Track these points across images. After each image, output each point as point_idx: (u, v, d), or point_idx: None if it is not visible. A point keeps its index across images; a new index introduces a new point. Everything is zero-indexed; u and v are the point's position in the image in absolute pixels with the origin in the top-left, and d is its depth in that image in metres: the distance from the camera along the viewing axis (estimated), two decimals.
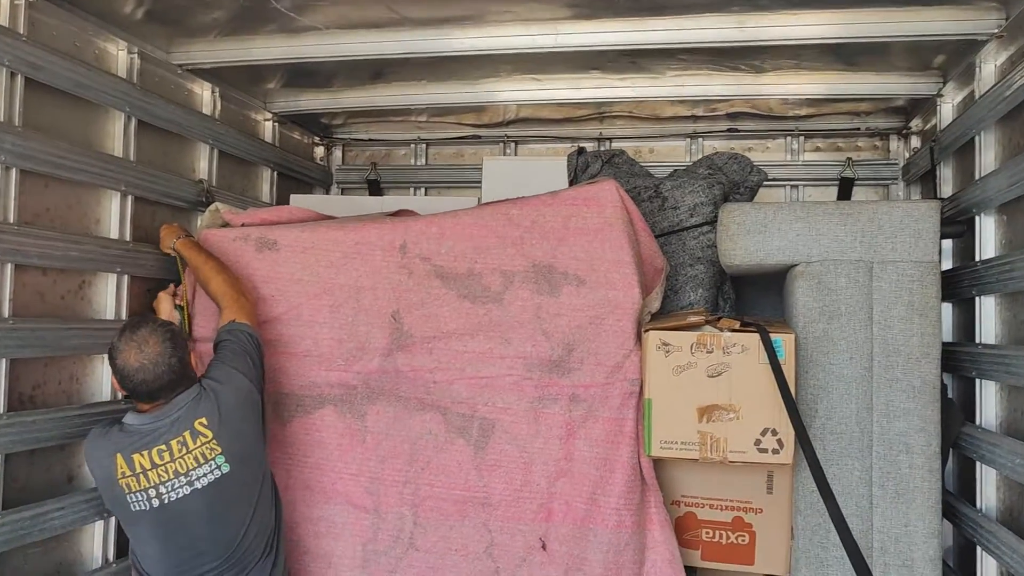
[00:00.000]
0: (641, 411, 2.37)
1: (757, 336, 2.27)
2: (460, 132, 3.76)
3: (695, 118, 3.52)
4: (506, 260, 2.49)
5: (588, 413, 2.42)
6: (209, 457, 2.06)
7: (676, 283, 2.82)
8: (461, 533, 2.46)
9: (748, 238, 2.45)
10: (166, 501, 2.03)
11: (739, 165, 3.01)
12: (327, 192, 3.91)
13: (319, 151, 3.95)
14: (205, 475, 2.06)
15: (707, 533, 2.50)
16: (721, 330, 2.30)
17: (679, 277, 2.84)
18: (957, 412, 2.47)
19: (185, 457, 2.04)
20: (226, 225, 2.72)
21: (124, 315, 2.47)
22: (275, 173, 3.43)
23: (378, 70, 3.04)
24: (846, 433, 2.33)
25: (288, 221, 2.70)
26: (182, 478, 2.03)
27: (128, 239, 2.50)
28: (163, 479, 2.03)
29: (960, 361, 2.47)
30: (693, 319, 2.34)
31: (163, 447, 2.03)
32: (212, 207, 2.72)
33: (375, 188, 3.80)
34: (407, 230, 2.55)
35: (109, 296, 2.45)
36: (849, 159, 3.39)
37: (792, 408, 2.13)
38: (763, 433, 2.26)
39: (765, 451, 2.26)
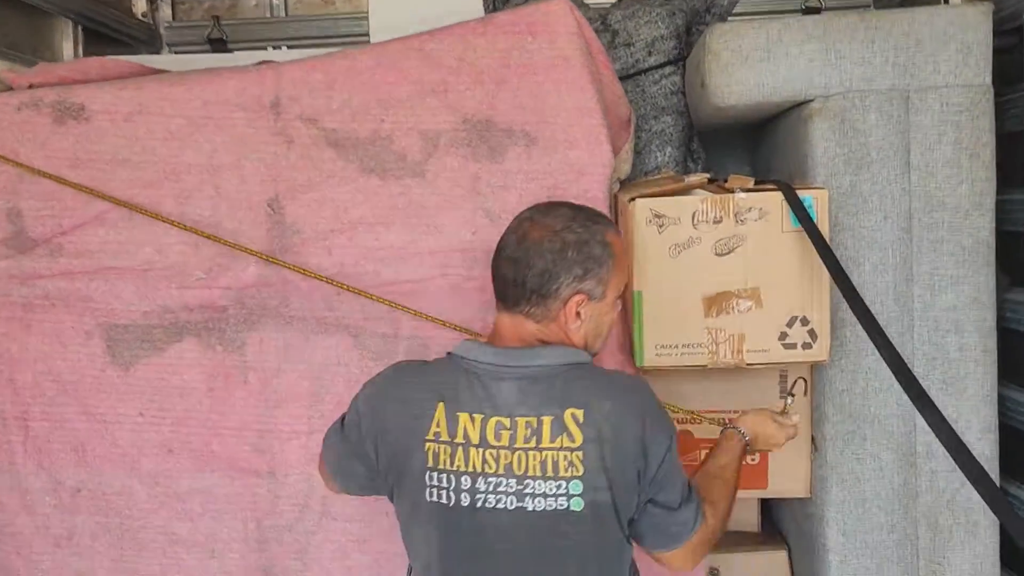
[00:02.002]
0: (626, 306, 1.81)
1: (780, 196, 1.72)
2: None
3: None
4: (426, 115, 1.82)
5: None
6: (563, 473, 1.28)
7: (638, 142, 2.23)
8: None
9: (747, 68, 1.86)
10: (479, 504, 1.30)
11: None
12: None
13: (140, 3, 3.04)
14: (545, 496, 1.28)
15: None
16: (732, 191, 1.73)
17: (641, 133, 2.25)
18: (998, 275, 2.03)
19: (531, 453, 1.28)
20: (8, 90, 1.90)
21: None
22: (79, 28, 2.55)
23: None
24: (883, 313, 1.84)
25: (101, 78, 1.90)
26: (513, 481, 1.28)
27: None
28: (489, 468, 1.29)
29: (1006, 212, 2.00)
30: (694, 179, 1.76)
31: (504, 419, 1.29)
32: None
33: (220, 48, 2.96)
34: (279, 80, 1.82)
35: None
36: None
37: (846, 283, 1.61)
38: (790, 323, 1.74)
39: (793, 346, 1.75)
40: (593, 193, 1.82)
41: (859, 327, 1.78)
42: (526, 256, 1.36)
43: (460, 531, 1.32)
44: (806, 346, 1.75)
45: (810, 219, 1.67)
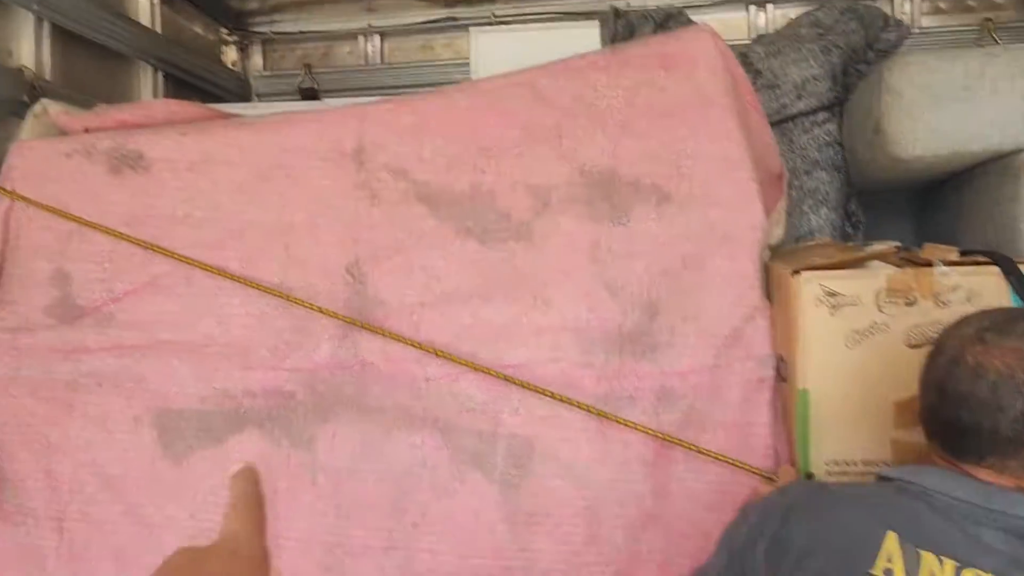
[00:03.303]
0: (785, 410, 1.44)
1: (996, 272, 1.33)
2: (428, 14, 2.74)
3: None
4: (536, 166, 1.53)
5: (689, 419, 1.48)
6: None
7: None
8: None
9: (939, 110, 1.50)
10: None
11: (860, 21, 2.05)
12: None
13: (231, 52, 2.89)
14: None
15: None
16: (929, 264, 1.35)
17: (791, 191, 1.89)
18: None
19: None
20: (62, 135, 1.70)
21: None
22: (160, 75, 2.38)
23: None
24: None
25: (166, 123, 1.67)
26: None
27: None
28: None
29: None
30: (878, 248, 1.39)
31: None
32: (37, 107, 1.69)
33: (311, 99, 2.77)
34: (363, 122, 1.55)
35: None
36: (987, 22, 2.44)
37: None
38: None
39: None
40: (741, 262, 1.48)
41: None
42: (993, 395, 1.02)
43: None
44: None
45: None
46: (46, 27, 1.88)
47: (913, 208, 2.17)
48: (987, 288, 1.33)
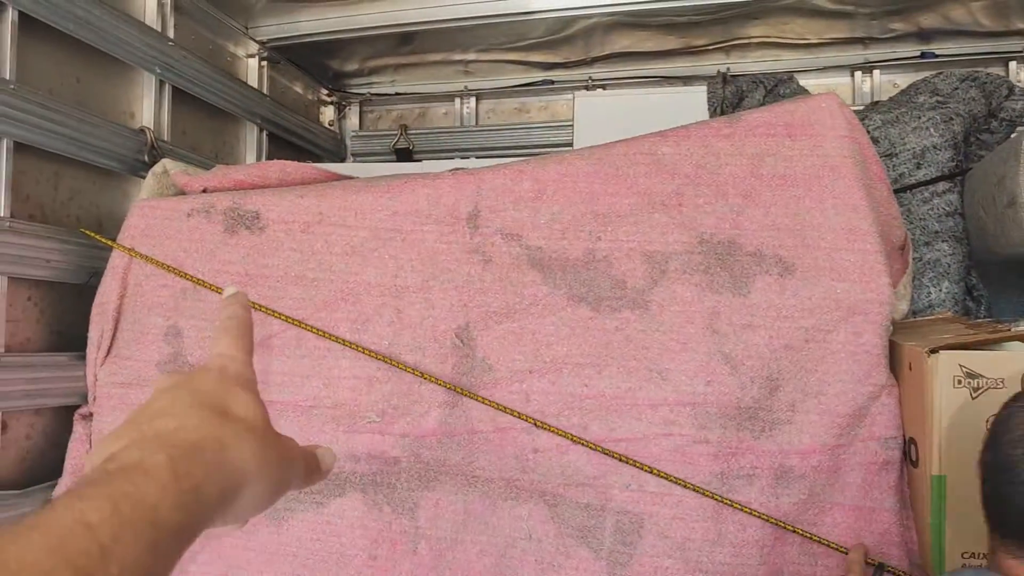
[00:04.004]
0: (916, 496, 1.38)
1: None
2: (525, 76, 2.79)
3: (865, 41, 2.53)
4: (653, 234, 1.52)
5: (810, 501, 1.43)
6: None
7: None
8: None
9: None
10: None
11: (981, 89, 2.01)
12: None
13: (328, 112, 2.98)
14: None
15: None
16: None
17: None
18: None
19: None
20: (181, 194, 1.76)
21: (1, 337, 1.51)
22: (264, 134, 2.46)
23: None
24: None
25: (280, 184, 1.72)
26: None
27: (4, 214, 1.54)
28: None
29: None
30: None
31: None
32: (157, 167, 1.75)
33: (405, 159, 2.83)
34: (479, 187, 1.57)
35: None
36: None
37: None
38: None
39: None
40: (867, 338, 1.44)
41: None
42: None
43: None
44: None
45: None
46: (167, 89, 1.97)
47: (1015, 280, 2.09)
48: None
